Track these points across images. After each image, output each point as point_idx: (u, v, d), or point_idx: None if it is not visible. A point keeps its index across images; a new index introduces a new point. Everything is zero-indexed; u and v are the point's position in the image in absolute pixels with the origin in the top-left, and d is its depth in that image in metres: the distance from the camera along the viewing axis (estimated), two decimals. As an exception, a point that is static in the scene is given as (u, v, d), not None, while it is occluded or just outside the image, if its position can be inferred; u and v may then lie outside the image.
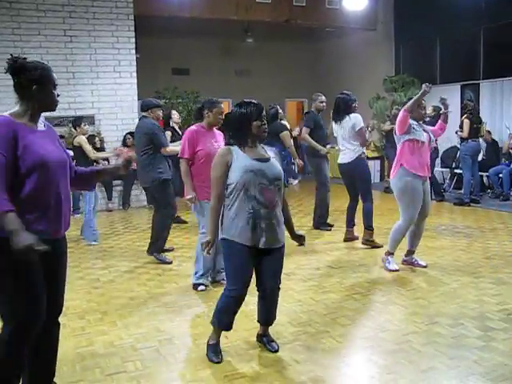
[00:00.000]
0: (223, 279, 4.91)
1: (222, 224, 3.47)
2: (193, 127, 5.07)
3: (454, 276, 5.33)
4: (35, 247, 2.44)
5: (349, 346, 3.81)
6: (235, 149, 3.44)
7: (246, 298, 4.55)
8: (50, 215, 2.74)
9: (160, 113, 6.32)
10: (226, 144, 3.56)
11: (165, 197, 6.09)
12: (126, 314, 4.56)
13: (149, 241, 6.45)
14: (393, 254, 5.53)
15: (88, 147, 7.23)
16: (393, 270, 5.44)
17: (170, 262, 6.10)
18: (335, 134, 6.78)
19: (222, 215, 3.46)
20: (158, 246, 6.21)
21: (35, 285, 2.72)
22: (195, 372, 3.47)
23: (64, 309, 2.94)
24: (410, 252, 5.62)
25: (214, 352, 3.60)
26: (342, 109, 6.55)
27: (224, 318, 3.59)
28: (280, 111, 8.63)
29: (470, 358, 3.54)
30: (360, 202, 6.74)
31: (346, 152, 6.55)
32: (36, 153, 2.67)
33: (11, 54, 2.75)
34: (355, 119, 6.43)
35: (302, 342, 3.84)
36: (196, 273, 5.13)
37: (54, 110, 2.86)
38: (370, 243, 6.48)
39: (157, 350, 3.82)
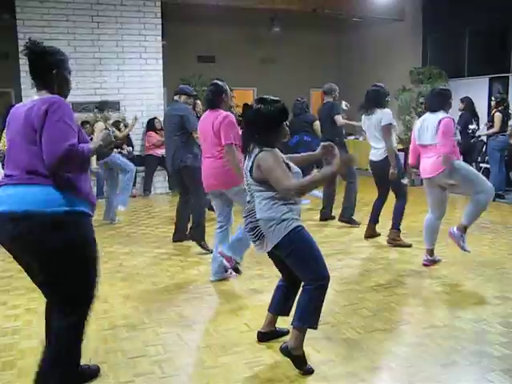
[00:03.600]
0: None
1: (281, 215, 3.21)
2: (226, 112, 4.78)
3: (478, 271, 5.27)
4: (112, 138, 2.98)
5: (369, 338, 3.80)
6: None
7: (266, 287, 4.57)
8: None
9: (188, 101, 6.24)
10: (246, 147, 3.33)
11: (195, 181, 5.75)
12: (149, 299, 4.62)
13: (172, 228, 6.49)
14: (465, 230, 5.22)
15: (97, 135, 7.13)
16: (467, 251, 5.19)
17: (212, 251, 5.95)
18: (364, 128, 6.47)
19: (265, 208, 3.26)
20: (200, 231, 6.07)
21: (96, 258, 3.01)
22: (216, 358, 3.50)
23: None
24: (432, 251, 5.51)
25: (306, 362, 3.31)
26: (372, 102, 6.20)
27: (319, 314, 3.32)
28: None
29: (492, 354, 3.51)
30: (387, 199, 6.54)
31: (376, 149, 6.26)
32: (84, 137, 2.89)
33: (29, 38, 2.82)
34: (383, 114, 6.09)
35: (322, 332, 3.83)
36: (236, 251, 4.78)
37: (66, 97, 2.91)
38: (397, 243, 6.20)
39: (178, 335, 3.86)
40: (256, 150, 3.24)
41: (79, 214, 2.79)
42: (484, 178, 5.21)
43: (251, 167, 3.26)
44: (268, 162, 3.16)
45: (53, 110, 2.63)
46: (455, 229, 5.24)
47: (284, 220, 3.21)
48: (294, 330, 3.32)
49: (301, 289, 3.35)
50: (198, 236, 6.08)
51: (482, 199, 5.09)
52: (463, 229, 5.20)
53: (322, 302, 3.28)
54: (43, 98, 2.74)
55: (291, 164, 3.32)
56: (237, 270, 5.03)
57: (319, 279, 3.24)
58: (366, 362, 3.46)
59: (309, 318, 3.27)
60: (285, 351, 3.34)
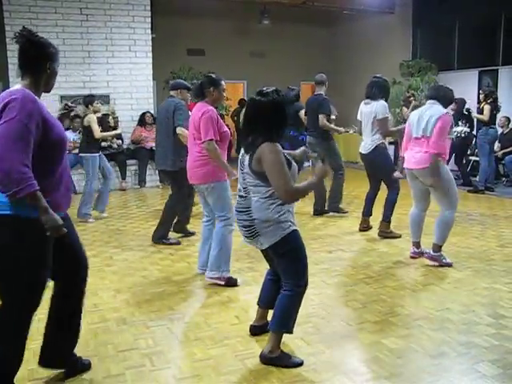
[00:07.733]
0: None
1: (278, 217, 3.16)
2: (209, 106, 4.62)
3: (467, 263, 5.30)
4: (62, 229, 2.61)
5: (359, 330, 3.81)
6: None
7: (256, 280, 4.57)
8: (69, 192, 2.86)
9: (188, 95, 6.10)
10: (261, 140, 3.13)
11: (181, 183, 5.81)
12: (139, 292, 4.61)
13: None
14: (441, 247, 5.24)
15: (96, 126, 7.12)
16: (450, 264, 5.18)
17: (179, 243, 6.04)
18: (359, 118, 6.44)
19: (261, 208, 3.19)
20: (162, 232, 6.06)
21: (48, 258, 2.76)
22: (206, 351, 3.50)
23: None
24: (419, 244, 5.54)
25: (290, 356, 3.34)
26: (375, 93, 6.17)
27: (295, 319, 3.35)
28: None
29: (481, 344, 3.54)
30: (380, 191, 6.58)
31: (366, 141, 6.28)
32: (58, 130, 2.71)
33: (24, 26, 2.70)
34: (379, 107, 6.09)
35: (312, 324, 3.86)
36: (221, 266, 4.66)
37: (48, 92, 2.82)
38: (387, 235, 6.25)
39: (168, 328, 3.86)
40: (258, 142, 3.13)
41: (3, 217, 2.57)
42: (456, 190, 5.18)
43: (251, 159, 3.17)
44: (271, 157, 3.07)
45: (11, 106, 2.48)
46: (431, 252, 5.23)
47: (281, 222, 3.18)
48: (272, 334, 3.31)
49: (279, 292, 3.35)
50: (159, 236, 6.06)
51: (449, 217, 5.12)
52: (439, 248, 5.20)
53: (299, 307, 3.31)
54: (11, 90, 2.62)
55: (292, 160, 3.25)
56: (233, 282, 4.71)
57: (299, 285, 3.27)
58: (356, 354, 3.48)
59: (287, 323, 3.30)
60: (263, 359, 3.31)
